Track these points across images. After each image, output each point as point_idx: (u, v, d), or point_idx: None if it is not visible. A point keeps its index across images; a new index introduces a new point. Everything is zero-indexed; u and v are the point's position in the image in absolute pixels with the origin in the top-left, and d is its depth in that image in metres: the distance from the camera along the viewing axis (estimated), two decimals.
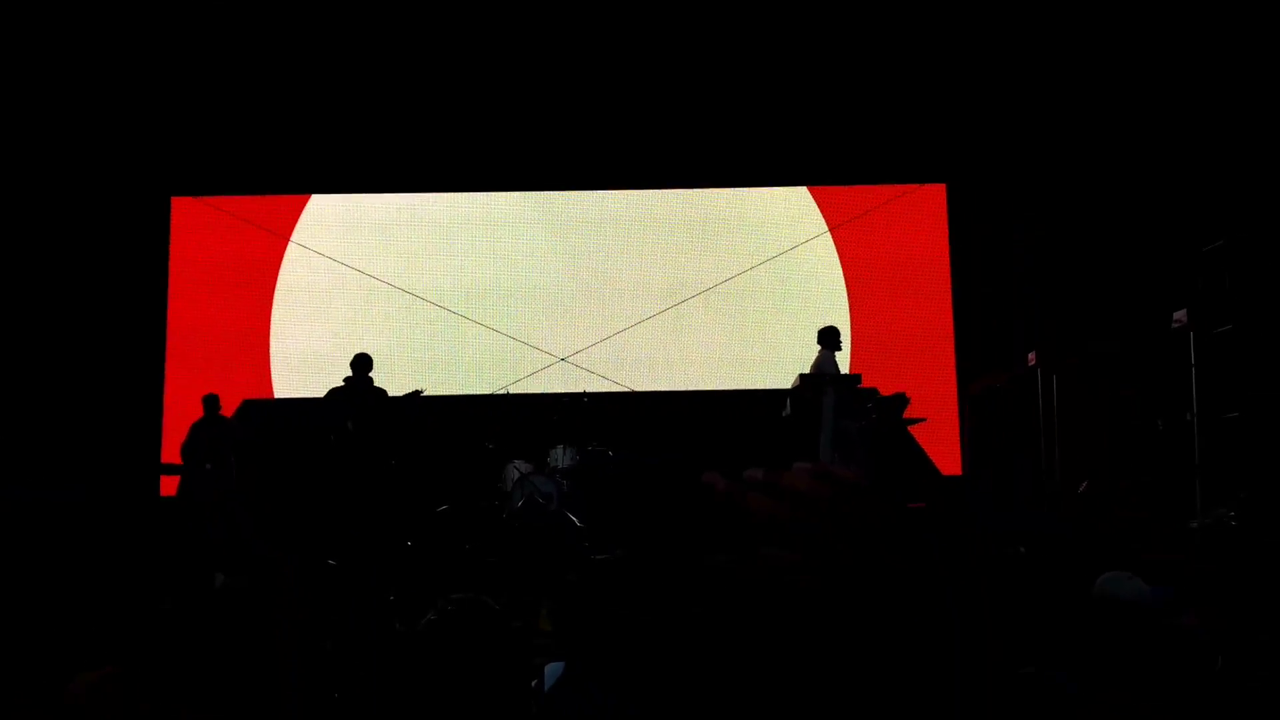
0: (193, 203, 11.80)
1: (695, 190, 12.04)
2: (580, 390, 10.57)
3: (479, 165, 11.82)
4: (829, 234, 11.94)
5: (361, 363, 9.76)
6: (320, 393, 9.85)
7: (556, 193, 12.03)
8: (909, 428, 9.91)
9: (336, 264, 11.76)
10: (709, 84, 11.50)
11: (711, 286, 11.82)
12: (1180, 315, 8.59)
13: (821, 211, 12.01)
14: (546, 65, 11.47)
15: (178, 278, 11.71)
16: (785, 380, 9.95)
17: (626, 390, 11.55)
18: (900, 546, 0.71)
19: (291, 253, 11.80)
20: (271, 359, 11.66)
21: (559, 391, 10.84)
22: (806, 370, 9.40)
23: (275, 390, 11.57)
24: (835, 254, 11.94)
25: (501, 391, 10.54)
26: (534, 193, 12.02)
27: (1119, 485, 8.62)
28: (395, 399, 9.53)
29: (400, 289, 11.74)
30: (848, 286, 11.84)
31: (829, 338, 9.47)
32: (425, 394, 9.56)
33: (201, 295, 11.69)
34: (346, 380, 9.76)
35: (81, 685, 2.37)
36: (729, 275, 11.83)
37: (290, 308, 11.77)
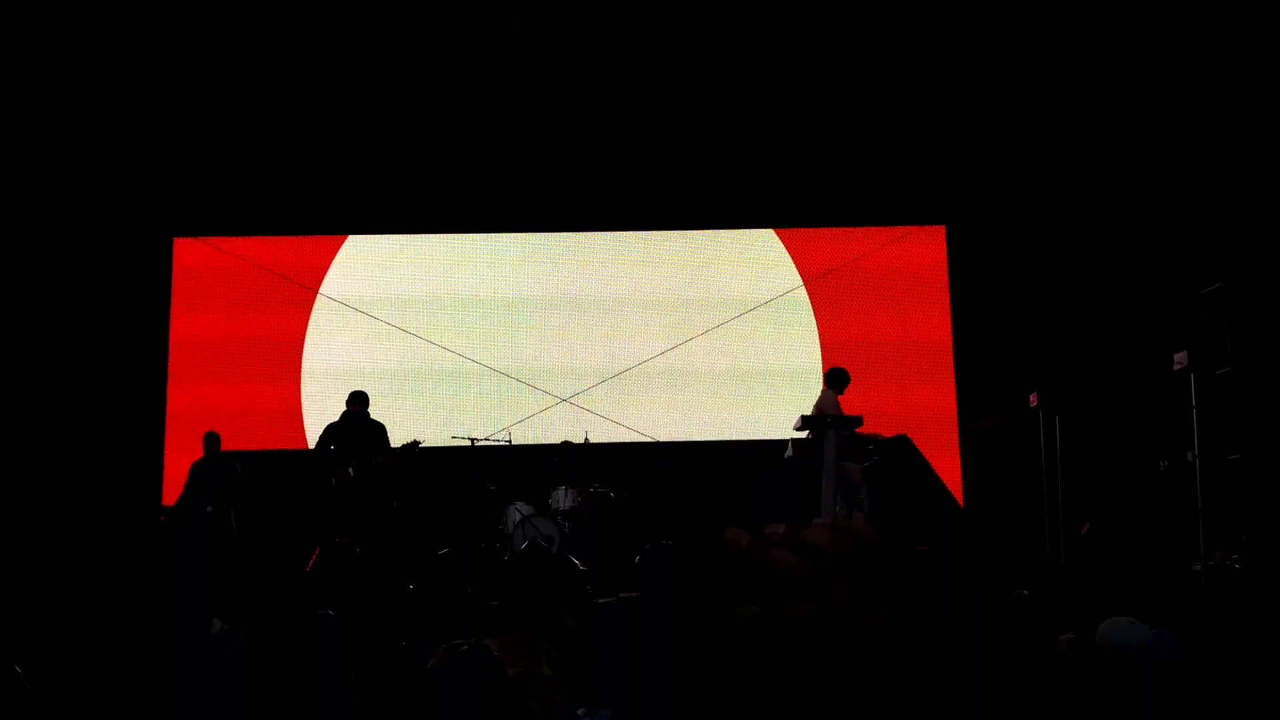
0: (196, 243, 11.86)
1: (699, 232, 12.10)
2: (582, 429, 10.59)
3: (478, 206, 11.90)
4: (829, 275, 11.98)
5: (358, 399, 9.75)
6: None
7: (559, 234, 12.08)
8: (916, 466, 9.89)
9: (334, 303, 11.80)
10: (708, 128, 11.59)
11: (714, 327, 11.85)
12: (1181, 357, 8.61)
13: (819, 254, 12.05)
14: (546, 103, 11.58)
15: (179, 319, 11.74)
16: (788, 419, 9.96)
17: (632, 433, 11.54)
18: (912, 601, 0.73)
19: (293, 294, 11.82)
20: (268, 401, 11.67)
21: (562, 430, 10.85)
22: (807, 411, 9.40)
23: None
24: (834, 296, 11.97)
25: (503, 432, 10.52)
26: (536, 234, 12.07)
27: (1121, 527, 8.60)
28: (393, 449, 9.51)
29: (401, 329, 11.77)
30: (845, 328, 11.86)
31: (835, 379, 9.49)
32: (423, 445, 9.55)
33: (207, 338, 11.72)
34: (344, 416, 9.74)
35: None
36: (729, 317, 11.87)
37: (288, 349, 11.79)
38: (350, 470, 9.32)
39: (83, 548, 8.78)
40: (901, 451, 9.26)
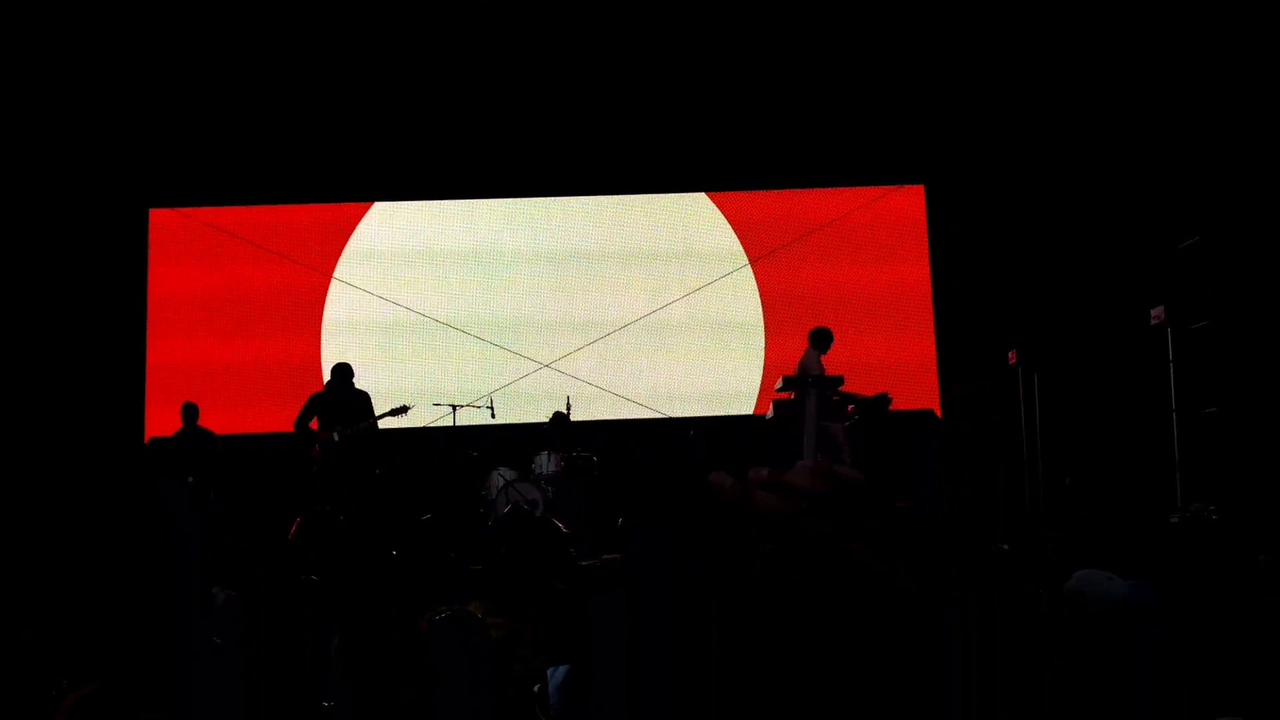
0: (171, 214, 11.75)
1: (678, 195, 12.05)
2: (564, 395, 10.57)
3: (456, 172, 11.82)
4: (805, 239, 11.96)
5: (342, 370, 9.79)
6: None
7: (537, 199, 12.02)
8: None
9: (320, 274, 11.74)
10: (689, 89, 11.52)
11: (693, 291, 11.84)
12: (1157, 312, 8.66)
13: (799, 214, 12.03)
14: (522, 72, 11.48)
15: (156, 297, 11.65)
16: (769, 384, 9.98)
17: (614, 398, 11.55)
18: (895, 542, 0.74)
19: (270, 264, 11.74)
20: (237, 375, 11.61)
21: (544, 396, 10.86)
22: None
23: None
24: (815, 255, 11.96)
25: (484, 399, 10.48)
26: (516, 200, 12.00)
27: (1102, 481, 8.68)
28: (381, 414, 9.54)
29: (380, 298, 11.73)
30: (827, 290, 11.86)
31: (819, 338, 9.51)
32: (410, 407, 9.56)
33: (182, 316, 11.64)
34: (328, 386, 9.77)
35: (71, 701, 2.39)
36: (710, 280, 11.86)
37: (271, 322, 11.72)
38: (335, 435, 9.35)
39: (68, 518, 8.76)
40: (882, 410, 9.29)
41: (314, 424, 9.63)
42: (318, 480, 9.32)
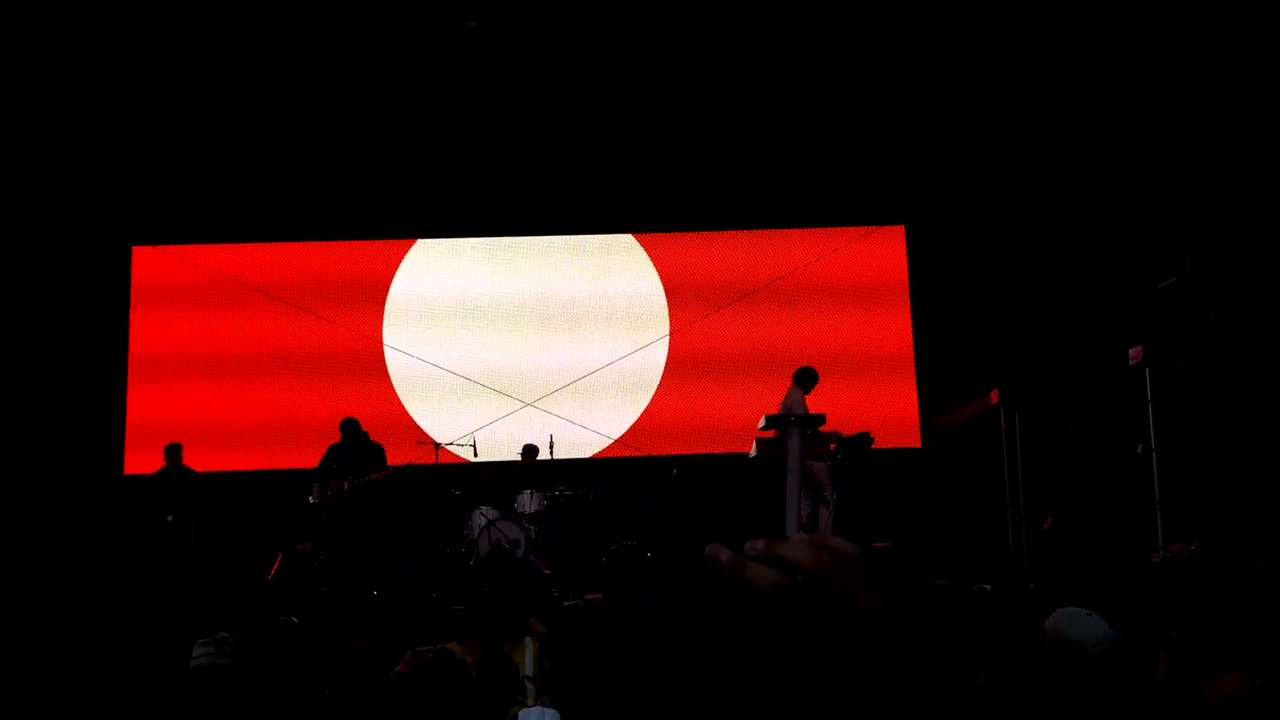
0: (153, 251, 11.74)
1: (664, 234, 12.12)
2: (546, 433, 10.55)
3: (438, 213, 11.87)
4: (791, 276, 12.02)
5: (351, 426, 9.88)
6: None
7: (520, 239, 12.06)
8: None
9: (304, 313, 11.73)
10: (675, 131, 11.60)
11: (678, 329, 11.88)
12: (1136, 351, 8.70)
13: (782, 254, 12.09)
14: (509, 114, 11.55)
15: (138, 321, 11.63)
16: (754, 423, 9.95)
17: (596, 436, 11.54)
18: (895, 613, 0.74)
19: (243, 297, 11.73)
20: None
21: (526, 435, 10.84)
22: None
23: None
24: (798, 295, 12.01)
25: (467, 437, 10.46)
26: (498, 239, 12.04)
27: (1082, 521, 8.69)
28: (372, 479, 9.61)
29: (369, 338, 11.73)
30: (811, 325, 11.91)
31: (804, 377, 9.52)
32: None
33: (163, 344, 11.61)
34: (345, 439, 9.85)
35: None
36: (698, 317, 11.90)
37: (254, 361, 11.69)
38: (345, 484, 9.42)
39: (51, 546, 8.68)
40: (864, 448, 9.30)
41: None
42: (314, 522, 9.36)
